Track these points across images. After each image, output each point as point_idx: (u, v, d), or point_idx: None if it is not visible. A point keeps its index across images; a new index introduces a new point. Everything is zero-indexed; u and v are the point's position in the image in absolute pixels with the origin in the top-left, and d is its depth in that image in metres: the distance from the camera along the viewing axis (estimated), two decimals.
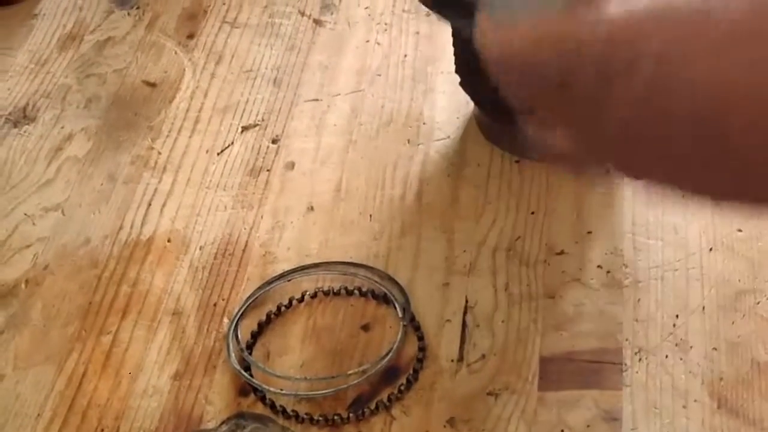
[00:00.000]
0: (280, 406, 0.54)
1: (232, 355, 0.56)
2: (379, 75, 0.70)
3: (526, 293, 0.57)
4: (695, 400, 0.52)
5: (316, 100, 0.69)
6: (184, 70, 0.72)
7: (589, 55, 0.32)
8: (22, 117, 0.71)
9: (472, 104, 0.65)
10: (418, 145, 0.65)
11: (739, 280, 0.56)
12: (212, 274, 0.60)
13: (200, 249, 0.61)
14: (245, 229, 0.62)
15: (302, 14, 0.75)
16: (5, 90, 0.73)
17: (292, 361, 0.56)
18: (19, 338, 0.58)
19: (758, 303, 0.55)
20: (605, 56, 0.31)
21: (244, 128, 0.68)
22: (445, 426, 0.52)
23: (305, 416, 0.53)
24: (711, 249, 0.58)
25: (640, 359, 0.53)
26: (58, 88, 0.72)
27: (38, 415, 0.55)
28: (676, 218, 0.59)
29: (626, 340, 0.54)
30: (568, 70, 0.33)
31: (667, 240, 0.58)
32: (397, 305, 0.57)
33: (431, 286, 0.58)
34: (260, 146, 0.67)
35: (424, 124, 0.66)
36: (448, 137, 0.65)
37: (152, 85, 0.72)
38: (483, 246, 0.59)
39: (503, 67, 0.37)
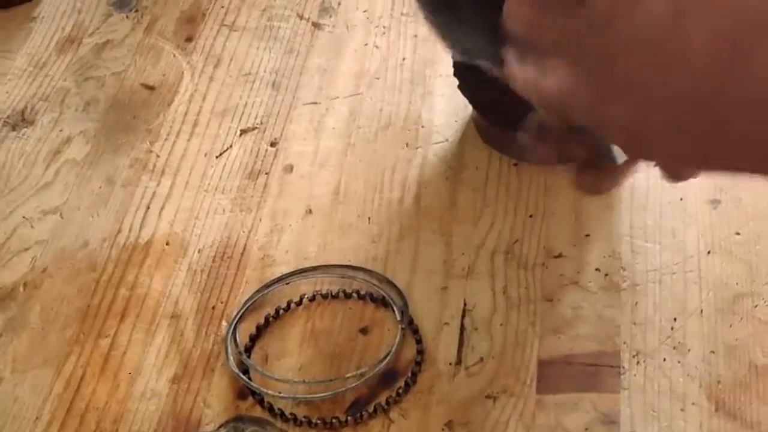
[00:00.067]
0: (279, 409, 0.54)
1: (231, 358, 0.56)
2: (378, 78, 0.70)
3: (525, 296, 0.57)
4: (693, 404, 0.52)
5: (315, 103, 0.69)
6: (183, 73, 0.72)
7: None
8: (21, 120, 0.71)
9: (470, 107, 0.65)
10: (417, 148, 0.65)
11: (737, 284, 0.56)
12: (210, 278, 0.60)
13: (199, 252, 0.61)
14: (244, 232, 0.62)
15: (301, 17, 0.75)
16: (3, 93, 0.73)
17: (290, 364, 0.56)
18: (17, 341, 0.58)
19: (756, 306, 0.55)
20: None
21: (243, 131, 0.68)
22: (443, 429, 0.52)
23: (303, 419, 0.53)
24: (709, 252, 0.58)
25: (638, 362, 0.53)
26: (56, 91, 0.72)
27: (36, 418, 0.55)
28: (674, 221, 0.59)
29: (624, 343, 0.54)
30: None
31: (665, 243, 0.58)
32: (395, 308, 0.57)
33: (429, 289, 0.58)
34: (259, 149, 0.67)
35: (422, 127, 0.66)
36: (447, 140, 0.65)
37: (151, 88, 0.72)
38: (481, 249, 0.59)
39: None
